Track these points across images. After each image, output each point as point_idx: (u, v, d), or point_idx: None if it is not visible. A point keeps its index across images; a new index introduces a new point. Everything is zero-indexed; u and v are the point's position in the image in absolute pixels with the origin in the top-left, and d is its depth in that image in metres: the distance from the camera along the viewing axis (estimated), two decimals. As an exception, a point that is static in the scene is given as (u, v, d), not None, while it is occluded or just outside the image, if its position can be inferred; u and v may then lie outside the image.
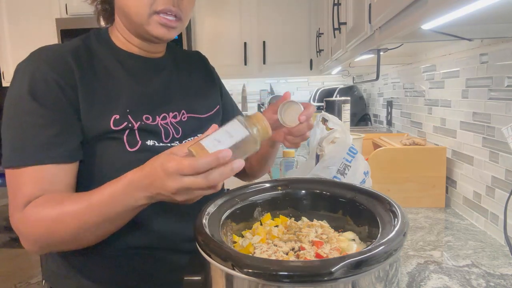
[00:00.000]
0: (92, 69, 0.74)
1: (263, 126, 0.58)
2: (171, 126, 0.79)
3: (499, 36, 0.99)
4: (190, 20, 2.63)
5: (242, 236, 0.63)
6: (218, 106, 0.93)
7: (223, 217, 0.59)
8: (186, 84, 0.88)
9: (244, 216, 0.66)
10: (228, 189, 0.73)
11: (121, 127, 0.72)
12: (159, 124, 0.77)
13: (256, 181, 0.74)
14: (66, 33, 2.57)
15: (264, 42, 2.69)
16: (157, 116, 0.77)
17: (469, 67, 1.20)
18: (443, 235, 1.09)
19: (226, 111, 0.98)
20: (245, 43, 2.69)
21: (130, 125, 0.73)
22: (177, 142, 0.79)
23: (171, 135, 0.78)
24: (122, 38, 0.80)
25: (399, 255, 0.49)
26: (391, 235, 0.48)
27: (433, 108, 1.50)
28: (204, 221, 0.55)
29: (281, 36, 2.71)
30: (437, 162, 1.31)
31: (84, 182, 0.72)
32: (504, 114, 1.01)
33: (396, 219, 0.53)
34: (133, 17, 0.73)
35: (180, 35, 2.53)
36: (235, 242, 0.61)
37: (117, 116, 0.72)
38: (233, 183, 1.03)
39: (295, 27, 2.70)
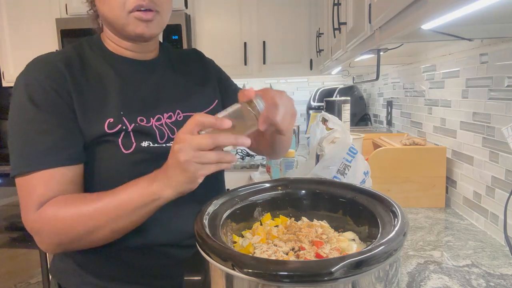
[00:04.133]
0: (84, 76, 0.76)
1: (253, 103, 0.62)
2: (165, 127, 0.79)
3: (499, 36, 0.99)
4: (190, 20, 2.65)
5: (242, 236, 0.63)
6: (216, 101, 0.92)
7: (223, 217, 0.59)
8: (181, 83, 0.88)
9: (244, 216, 0.66)
10: (228, 189, 0.73)
11: (115, 129, 0.73)
12: (153, 126, 0.78)
13: (256, 181, 0.74)
14: (66, 33, 2.56)
15: (264, 42, 2.69)
16: (151, 118, 0.78)
17: (469, 67, 1.20)
18: (443, 235, 1.09)
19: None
20: (245, 43, 2.69)
21: (124, 127, 0.74)
22: (172, 142, 0.80)
23: (166, 136, 0.79)
24: (112, 43, 0.82)
25: (399, 255, 0.49)
26: (391, 235, 0.48)
27: (433, 108, 1.50)
28: (204, 221, 0.55)
29: (281, 36, 2.70)
30: (437, 162, 1.31)
31: (86, 185, 0.74)
32: (504, 114, 1.01)
33: (396, 219, 0.53)
34: (113, 22, 0.76)
35: (180, 35, 2.53)
36: (235, 242, 0.61)
37: (111, 120, 0.73)
38: (233, 182, 1.03)
39: (295, 27, 2.69)
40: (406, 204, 1.33)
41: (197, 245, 0.50)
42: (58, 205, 0.66)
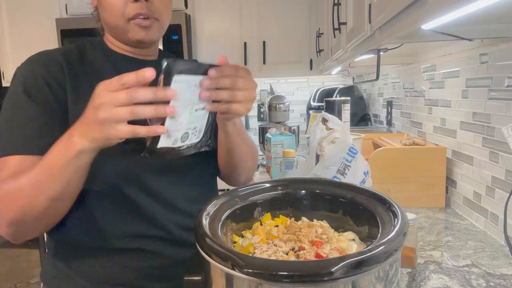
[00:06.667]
0: (82, 69, 0.78)
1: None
2: None
3: (499, 36, 0.99)
4: (190, 20, 2.64)
5: (242, 236, 0.63)
6: None
7: (223, 217, 0.59)
8: None
9: (244, 216, 0.65)
10: (228, 189, 0.73)
11: None
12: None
13: (256, 181, 0.74)
14: (66, 33, 2.56)
15: (264, 42, 2.69)
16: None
17: (469, 67, 1.20)
18: (443, 235, 1.09)
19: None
20: (245, 43, 2.69)
21: None
22: None
23: None
24: (113, 45, 0.84)
25: (399, 255, 0.49)
26: (391, 235, 0.48)
27: (433, 108, 1.50)
28: (204, 221, 0.55)
29: (281, 36, 2.70)
30: (437, 162, 1.31)
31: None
32: (504, 114, 1.01)
33: (396, 219, 0.53)
34: (113, 28, 0.79)
35: (180, 35, 2.52)
36: (235, 242, 0.61)
37: None
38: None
39: (295, 27, 2.69)
40: (406, 204, 1.33)
41: (197, 245, 0.50)
42: (5, 182, 0.65)
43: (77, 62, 0.78)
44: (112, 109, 0.55)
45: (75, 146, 0.59)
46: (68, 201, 0.68)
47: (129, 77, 0.55)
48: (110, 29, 0.81)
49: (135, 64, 0.82)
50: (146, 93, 0.55)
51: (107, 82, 0.56)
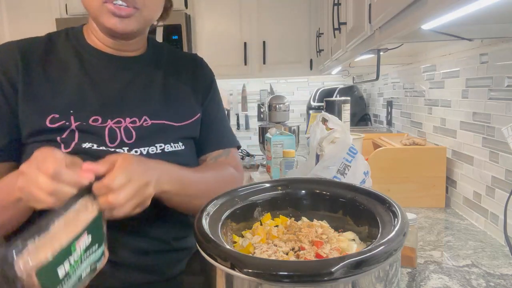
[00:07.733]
0: (43, 64, 0.72)
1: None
2: (122, 131, 0.72)
3: (499, 36, 0.99)
4: (190, 20, 2.64)
5: (242, 236, 0.63)
6: (198, 115, 0.84)
7: (223, 217, 0.59)
8: (162, 87, 0.80)
9: (244, 216, 0.65)
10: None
11: (57, 125, 0.68)
12: (108, 127, 0.71)
13: (256, 181, 0.74)
14: (66, 33, 2.56)
15: (264, 42, 2.69)
16: (109, 119, 0.72)
17: (469, 67, 1.20)
18: (443, 235, 1.09)
19: (212, 135, 0.87)
20: (245, 43, 2.69)
21: (67, 123, 0.68)
22: (126, 148, 0.72)
23: (118, 139, 0.72)
24: (93, 36, 0.77)
25: (399, 255, 0.49)
26: (391, 235, 0.48)
27: (433, 108, 1.50)
28: (204, 221, 0.55)
29: (281, 36, 2.70)
30: (437, 162, 1.31)
31: None
32: (504, 114, 1.01)
33: (396, 219, 0.53)
34: (89, 10, 0.70)
35: (180, 35, 2.52)
36: (235, 242, 0.61)
37: (56, 115, 0.69)
38: (233, 183, 1.03)
39: (295, 27, 2.69)
40: (406, 204, 1.33)
41: (197, 245, 0.50)
42: None
43: (39, 57, 0.72)
44: (30, 186, 0.52)
45: (16, 192, 0.56)
46: (8, 227, 0.66)
47: (68, 176, 0.52)
48: (88, 13, 0.73)
49: (106, 60, 0.76)
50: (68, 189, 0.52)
51: (44, 160, 0.52)
